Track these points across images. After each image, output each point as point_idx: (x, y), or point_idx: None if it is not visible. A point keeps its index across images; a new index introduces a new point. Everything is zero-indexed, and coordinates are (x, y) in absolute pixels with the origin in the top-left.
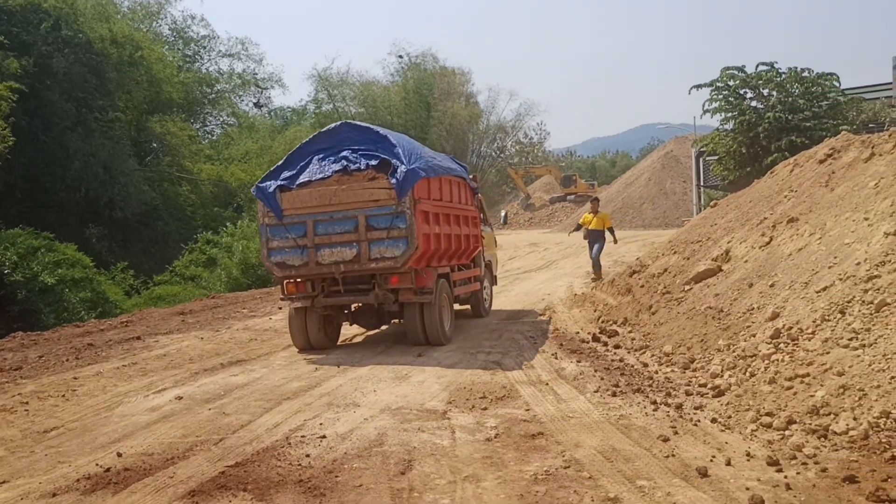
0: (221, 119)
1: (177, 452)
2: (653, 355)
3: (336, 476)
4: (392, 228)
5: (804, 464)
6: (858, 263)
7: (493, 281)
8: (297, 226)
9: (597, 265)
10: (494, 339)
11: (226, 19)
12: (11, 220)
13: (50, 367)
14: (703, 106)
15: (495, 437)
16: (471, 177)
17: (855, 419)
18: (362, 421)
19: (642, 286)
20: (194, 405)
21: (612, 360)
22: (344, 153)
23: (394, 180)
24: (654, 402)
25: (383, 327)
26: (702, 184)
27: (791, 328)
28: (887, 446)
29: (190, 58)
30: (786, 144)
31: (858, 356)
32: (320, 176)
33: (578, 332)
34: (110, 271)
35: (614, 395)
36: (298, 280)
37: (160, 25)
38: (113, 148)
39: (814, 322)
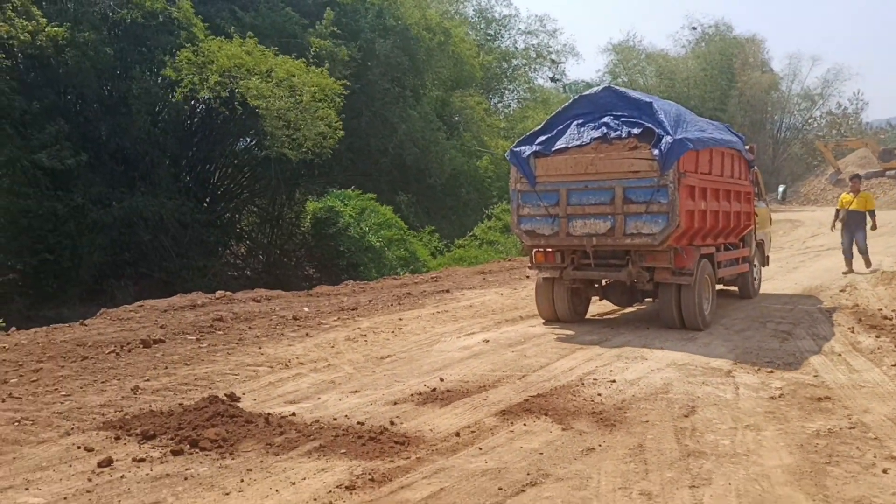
0: (518, 94)
1: (487, 382)
2: None
3: (625, 412)
4: (652, 203)
5: None
6: None
7: (765, 261)
8: (549, 194)
9: (864, 252)
10: (787, 310)
11: None
12: (338, 185)
13: (378, 309)
14: None
15: (779, 397)
16: (747, 148)
17: None
18: (649, 371)
19: None
20: (499, 347)
21: None
22: (605, 119)
23: (657, 151)
24: None
25: (636, 306)
26: None
27: None
28: None
29: (491, 36)
30: None
31: None
32: (577, 143)
33: (881, 310)
34: (419, 234)
35: None
36: (548, 250)
37: (465, 7)
38: (424, 122)
39: None
